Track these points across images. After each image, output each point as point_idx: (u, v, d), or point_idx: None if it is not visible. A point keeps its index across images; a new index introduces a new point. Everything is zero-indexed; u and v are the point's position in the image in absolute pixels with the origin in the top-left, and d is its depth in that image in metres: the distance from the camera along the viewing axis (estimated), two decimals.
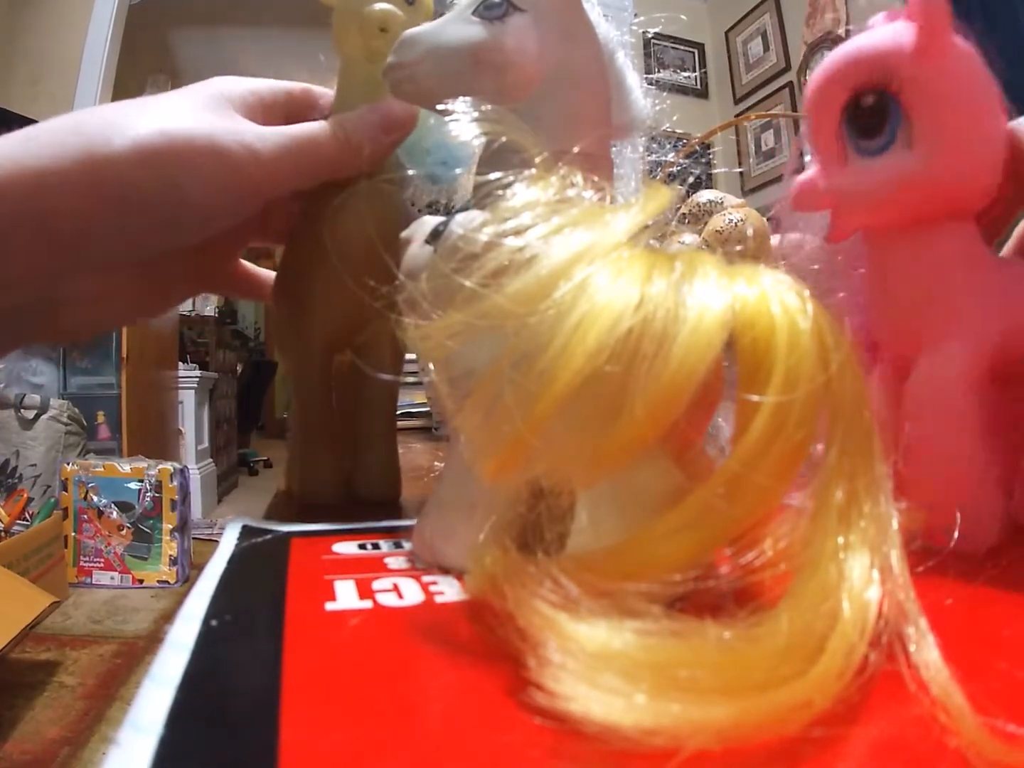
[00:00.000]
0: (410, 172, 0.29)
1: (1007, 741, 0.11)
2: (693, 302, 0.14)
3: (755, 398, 0.13)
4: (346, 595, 0.18)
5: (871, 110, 0.20)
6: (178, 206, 0.23)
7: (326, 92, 0.30)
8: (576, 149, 0.18)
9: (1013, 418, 0.22)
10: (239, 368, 3.04)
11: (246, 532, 0.24)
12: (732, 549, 0.15)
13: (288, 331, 0.31)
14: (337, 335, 0.31)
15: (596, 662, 0.11)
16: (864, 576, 0.13)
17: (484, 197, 0.16)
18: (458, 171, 0.29)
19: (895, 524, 0.14)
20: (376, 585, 0.19)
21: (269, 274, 0.35)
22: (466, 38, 0.21)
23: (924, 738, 0.11)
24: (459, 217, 0.20)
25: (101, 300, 0.26)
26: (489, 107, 0.18)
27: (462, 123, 0.17)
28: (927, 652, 0.13)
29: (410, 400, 0.73)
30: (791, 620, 0.12)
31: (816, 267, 0.25)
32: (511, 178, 0.16)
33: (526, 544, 0.16)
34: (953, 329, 0.21)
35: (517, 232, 0.15)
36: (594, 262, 0.14)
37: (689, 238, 0.64)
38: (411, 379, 0.65)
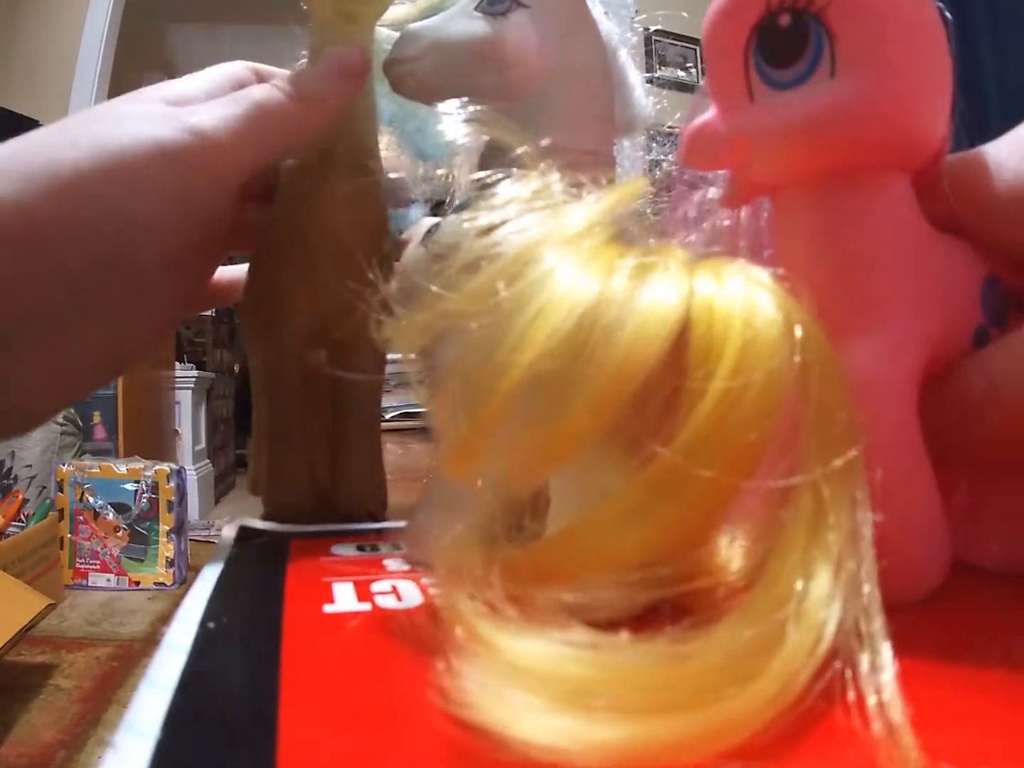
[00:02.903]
0: (391, 138, 0.27)
1: None
2: (648, 294, 0.13)
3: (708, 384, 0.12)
4: (344, 597, 0.18)
5: (787, 33, 0.16)
6: (124, 233, 0.19)
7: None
8: (577, 147, 0.18)
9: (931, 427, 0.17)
10: (237, 368, 3.03)
11: (244, 533, 0.24)
12: (680, 557, 0.13)
13: (259, 321, 0.28)
14: (315, 326, 0.27)
15: (510, 673, 0.11)
16: (823, 594, 0.12)
17: (476, 197, 0.16)
18: (441, 144, 0.27)
19: (868, 537, 0.12)
20: (375, 587, 0.19)
21: (241, 269, 0.31)
22: (469, 33, 0.21)
23: None
24: (450, 217, 0.20)
25: (60, 369, 0.21)
26: (478, 108, 0.17)
27: (453, 123, 0.17)
28: (882, 685, 0.11)
29: (410, 400, 0.73)
30: (730, 637, 0.11)
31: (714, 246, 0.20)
32: (502, 176, 0.16)
33: (504, 540, 0.16)
34: (878, 319, 0.16)
35: (490, 229, 0.14)
36: (547, 256, 0.14)
37: None
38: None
